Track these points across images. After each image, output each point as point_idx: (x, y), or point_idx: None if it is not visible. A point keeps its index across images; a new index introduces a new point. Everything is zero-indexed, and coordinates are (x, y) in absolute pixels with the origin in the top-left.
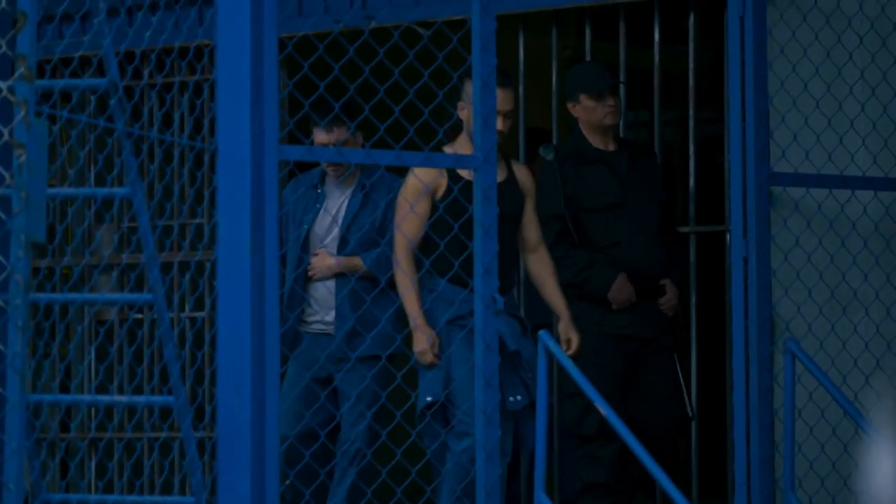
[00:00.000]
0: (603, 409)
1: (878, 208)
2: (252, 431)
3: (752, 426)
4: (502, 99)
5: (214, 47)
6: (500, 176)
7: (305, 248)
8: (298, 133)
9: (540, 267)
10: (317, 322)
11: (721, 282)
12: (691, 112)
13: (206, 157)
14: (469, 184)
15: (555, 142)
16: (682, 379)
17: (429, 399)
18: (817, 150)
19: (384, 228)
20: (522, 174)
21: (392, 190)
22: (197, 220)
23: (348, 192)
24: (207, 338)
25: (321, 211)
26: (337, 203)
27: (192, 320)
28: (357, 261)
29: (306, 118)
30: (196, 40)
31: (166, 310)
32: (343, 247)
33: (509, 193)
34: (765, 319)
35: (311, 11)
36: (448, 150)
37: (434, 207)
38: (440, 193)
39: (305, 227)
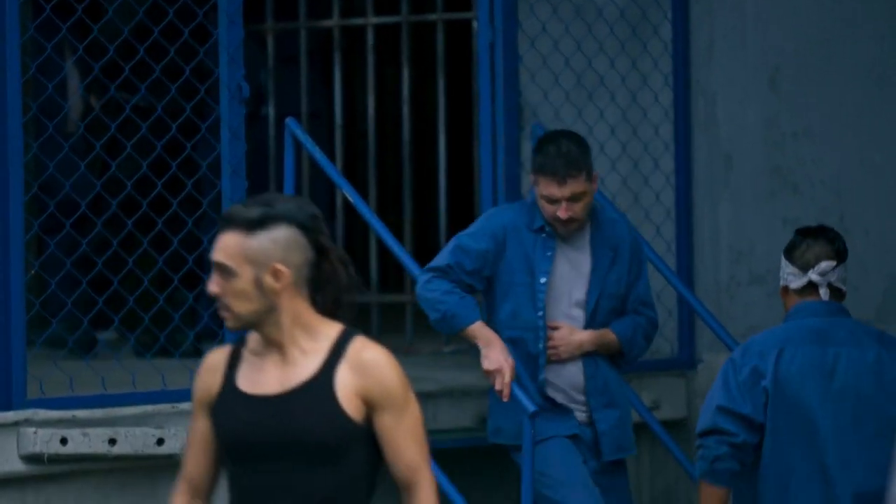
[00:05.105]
0: (351, 196)
1: None
2: None
3: None
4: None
5: None
6: None
7: (537, 305)
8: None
9: None
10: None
11: (468, 69)
12: None
13: None
14: None
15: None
16: None
17: None
18: None
19: (629, 295)
20: None
21: (637, 249)
22: None
23: (583, 246)
24: None
25: (560, 262)
26: (573, 257)
27: None
28: (612, 335)
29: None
30: None
31: None
32: (593, 317)
33: None
34: (512, 105)
35: None
36: None
37: None
38: None
39: (544, 278)
